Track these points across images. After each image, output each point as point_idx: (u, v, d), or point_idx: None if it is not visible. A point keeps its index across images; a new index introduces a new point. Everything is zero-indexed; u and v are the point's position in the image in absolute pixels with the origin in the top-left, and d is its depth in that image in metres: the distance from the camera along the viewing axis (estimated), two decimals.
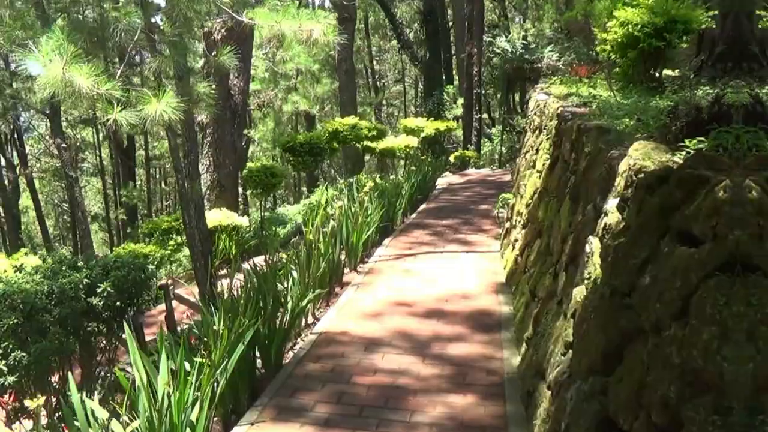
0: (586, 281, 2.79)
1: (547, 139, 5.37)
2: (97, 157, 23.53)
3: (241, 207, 18.83)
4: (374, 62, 39.40)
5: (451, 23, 24.87)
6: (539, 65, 17.40)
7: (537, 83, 18.00)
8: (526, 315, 4.51)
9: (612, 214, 2.61)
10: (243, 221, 11.96)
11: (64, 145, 14.88)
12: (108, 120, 4.14)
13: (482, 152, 20.31)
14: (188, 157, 7.13)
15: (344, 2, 17.74)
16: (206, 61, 7.67)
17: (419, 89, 34.29)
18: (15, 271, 5.65)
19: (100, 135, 22.72)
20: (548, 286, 3.89)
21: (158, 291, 6.60)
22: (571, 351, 2.82)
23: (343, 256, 6.43)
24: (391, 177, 16.92)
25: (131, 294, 5.59)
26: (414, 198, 9.40)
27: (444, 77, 22.43)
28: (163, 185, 30.43)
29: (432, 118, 16.79)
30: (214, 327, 3.70)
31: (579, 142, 3.83)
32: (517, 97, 21.98)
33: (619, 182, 2.61)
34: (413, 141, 14.85)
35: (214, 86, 12.01)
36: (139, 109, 4.23)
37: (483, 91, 20.00)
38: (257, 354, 4.15)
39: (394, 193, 8.08)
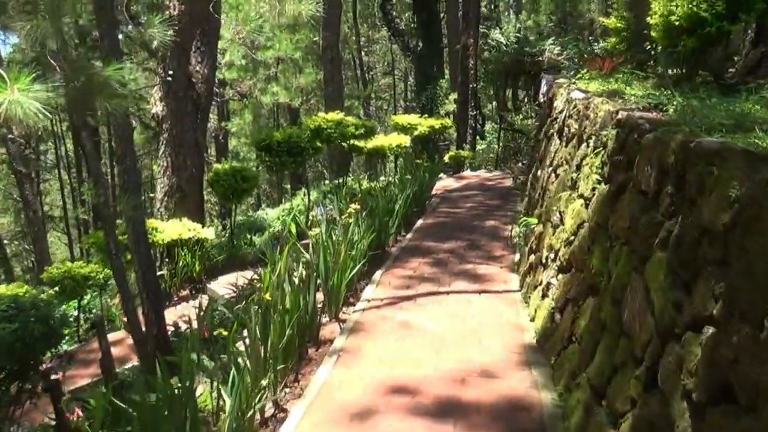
0: None
1: (596, 153, 3.86)
2: (56, 151, 21.60)
3: (210, 214, 17.21)
4: (362, 53, 37.76)
5: (443, 14, 23.36)
6: (540, 59, 15.98)
7: (537, 78, 16.62)
8: (589, 426, 3.01)
9: None
10: (208, 233, 10.37)
11: (11, 135, 13.12)
12: None
13: (476, 150, 18.88)
14: (124, 162, 5.52)
15: None
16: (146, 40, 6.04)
17: (409, 83, 32.73)
18: None
19: (63, 125, 20.83)
20: (636, 399, 2.42)
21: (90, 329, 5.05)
22: None
23: (320, 296, 4.93)
24: (381, 179, 15.43)
25: (27, 353, 4.05)
26: (409, 212, 7.94)
27: (436, 70, 20.93)
28: None
29: (425, 115, 15.28)
30: None
31: (691, 171, 2.31)
32: (515, 93, 20.56)
33: None
34: (405, 140, 13.33)
35: (164, 71, 10.42)
36: None
37: (478, 86, 18.53)
38: None
39: (386, 211, 6.58)
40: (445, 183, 13.38)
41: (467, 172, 14.94)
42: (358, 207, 6.01)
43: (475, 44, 17.46)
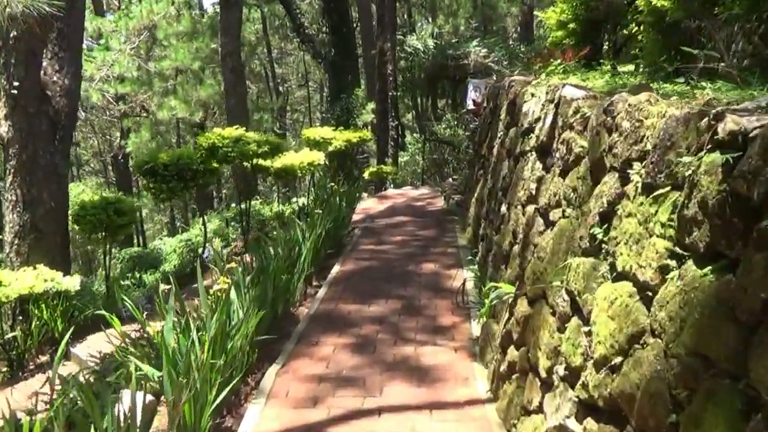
0: None
1: (658, 198, 2.07)
2: None
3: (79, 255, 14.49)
4: (275, 65, 35.62)
5: (356, 23, 21.78)
6: (465, 62, 14.71)
7: (462, 83, 15.33)
8: None
9: None
10: (71, 283, 8.04)
11: None
12: None
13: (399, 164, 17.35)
14: None
15: None
16: None
17: (325, 94, 30.93)
18: None
19: None
20: None
21: None
22: None
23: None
24: (294, 201, 13.50)
25: None
26: (322, 254, 6.14)
27: (351, 78, 19.29)
28: None
29: (341, 127, 13.55)
30: None
31: None
32: (435, 101, 19.25)
33: None
34: (319, 157, 11.52)
35: (7, 81, 8.14)
36: None
37: (397, 93, 17.06)
38: None
39: (285, 266, 4.72)
40: (366, 205, 11.68)
41: (391, 190, 13.33)
42: (227, 283, 4.06)
43: (393, 49, 15.98)
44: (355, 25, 22.16)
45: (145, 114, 17.70)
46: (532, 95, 4.11)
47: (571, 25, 6.54)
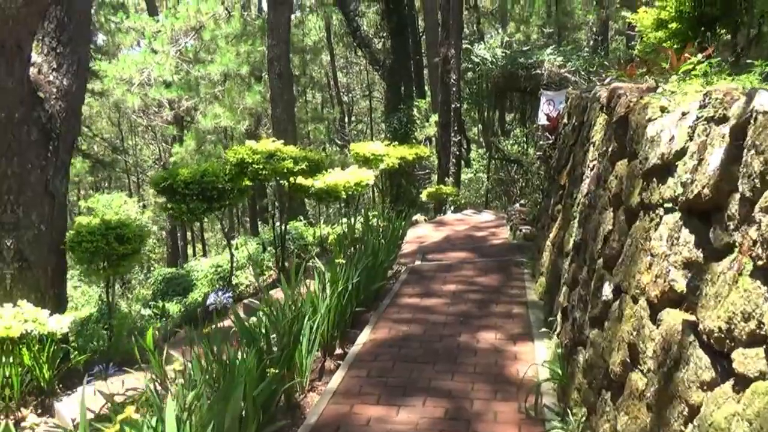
0: None
1: None
2: None
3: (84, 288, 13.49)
4: (339, 73, 34.78)
5: (421, 31, 20.35)
6: (538, 71, 12.94)
7: (534, 95, 13.56)
8: None
9: None
10: (58, 324, 6.71)
11: None
12: None
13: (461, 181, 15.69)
14: None
15: None
16: None
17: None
18: None
19: None
20: None
21: None
22: None
23: None
24: (344, 222, 12.13)
25: None
26: (349, 312, 4.65)
27: (414, 88, 17.84)
28: None
29: (395, 143, 12.09)
30: None
31: None
32: (502, 115, 17.49)
33: None
34: (367, 176, 10.10)
35: None
36: None
37: (462, 106, 15.45)
38: None
39: (279, 358, 3.22)
40: (420, 231, 10.13)
41: (449, 215, 11.72)
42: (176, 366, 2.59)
43: (457, 56, 14.41)
44: (421, 33, 20.79)
45: (189, 121, 16.87)
46: (663, 110, 2.48)
47: (673, 25, 5.13)
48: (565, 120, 6.03)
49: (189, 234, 28.07)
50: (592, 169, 3.68)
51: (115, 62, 15.55)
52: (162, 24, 15.92)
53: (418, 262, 7.16)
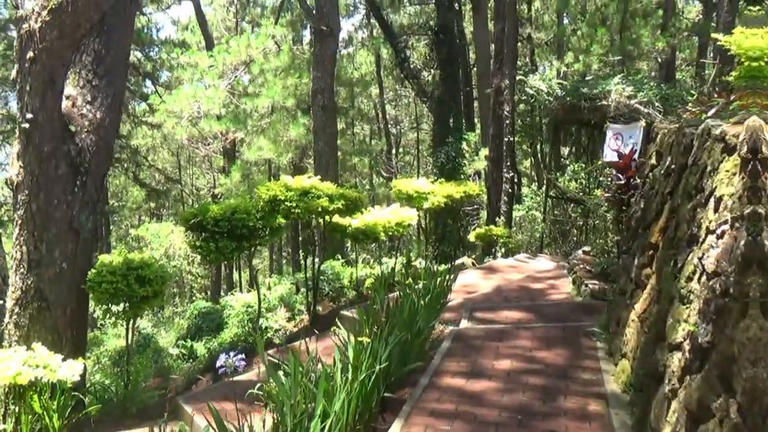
0: None
1: None
2: None
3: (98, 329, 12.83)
4: (388, 106, 34.27)
5: (473, 63, 19.45)
6: (603, 103, 11.79)
7: (600, 128, 12.35)
8: None
9: None
10: (70, 371, 6.00)
11: None
12: None
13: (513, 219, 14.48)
14: None
15: (323, 10, 12.49)
16: None
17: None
18: None
19: None
20: None
21: None
22: None
23: None
24: (384, 261, 11.11)
25: None
26: (374, 402, 3.63)
27: (464, 121, 16.88)
28: None
29: (442, 179, 11.11)
30: None
31: None
32: (557, 149, 16.27)
33: None
34: (409, 216, 9.15)
35: (20, 112, 6.47)
36: None
37: (515, 139, 14.37)
38: None
39: None
40: (468, 279, 9.05)
41: (500, 261, 10.58)
42: None
43: (512, 86, 13.44)
44: (472, 65, 19.90)
45: (234, 153, 16.43)
46: None
47: None
48: (653, 160, 4.91)
49: (234, 262, 27.79)
50: (720, 236, 2.59)
51: (166, 96, 15.40)
52: (214, 59, 15.72)
53: (464, 323, 6.07)
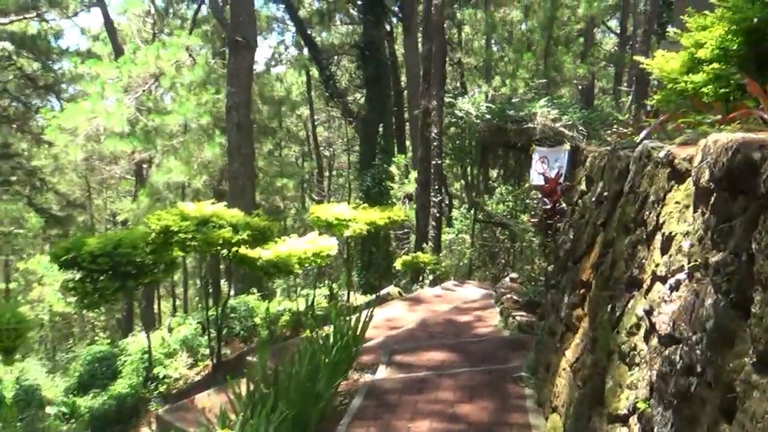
0: None
1: None
2: None
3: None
4: (319, 126, 33.56)
5: (404, 85, 19.06)
6: (529, 125, 11.52)
7: (526, 151, 12.10)
8: None
9: None
10: None
11: None
12: None
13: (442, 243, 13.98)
14: None
15: (239, 20, 11.68)
16: None
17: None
18: None
19: None
20: None
21: None
22: None
23: None
24: (306, 295, 10.23)
25: None
26: None
27: (395, 143, 16.40)
28: None
29: (365, 204, 10.46)
30: None
31: None
32: (486, 171, 16.03)
33: None
34: (328, 246, 8.40)
35: None
36: None
37: (443, 162, 13.97)
38: None
39: None
40: (392, 312, 8.35)
41: (426, 290, 9.96)
42: None
43: (440, 108, 13.04)
44: (404, 87, 19.49)
45: (143, 176, 15.12)
46: None
47: (714, 66, 3.61)
48: (582, 186, 4.41)
49: (156, 291, 25.81)
50: (675, 288, 1.99)
51: (58, 111, 13.98)
52: (119, 70, 14.44)
53: (381, 371, 5.33)
